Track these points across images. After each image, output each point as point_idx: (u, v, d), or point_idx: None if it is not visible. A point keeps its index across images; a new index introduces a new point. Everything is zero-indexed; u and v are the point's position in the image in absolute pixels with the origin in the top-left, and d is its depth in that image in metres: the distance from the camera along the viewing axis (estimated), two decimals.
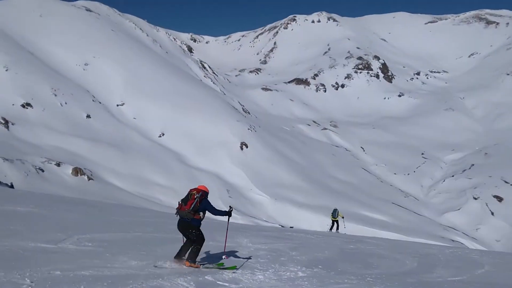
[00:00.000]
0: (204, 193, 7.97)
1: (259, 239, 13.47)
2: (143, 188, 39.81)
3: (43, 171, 31.83)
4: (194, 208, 7.80)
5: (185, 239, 8.09)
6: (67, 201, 18.83)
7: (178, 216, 7.97)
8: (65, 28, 69.39)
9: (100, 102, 56.01)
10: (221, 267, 7.96)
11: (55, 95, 50.11)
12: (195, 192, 7.95)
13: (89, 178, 34.93)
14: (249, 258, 9.72)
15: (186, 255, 7.91)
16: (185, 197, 7.95)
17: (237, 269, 7.98)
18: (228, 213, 8.49)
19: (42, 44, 62.58)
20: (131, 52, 72.18)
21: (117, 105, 58.16)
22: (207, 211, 8.02)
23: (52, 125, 44.39)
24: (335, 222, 23.95)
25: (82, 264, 6.96)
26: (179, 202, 7.99)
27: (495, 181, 64.22)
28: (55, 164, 33.97)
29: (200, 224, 8.00)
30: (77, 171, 34.65)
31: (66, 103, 50.05)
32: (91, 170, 37.04)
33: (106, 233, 10.59)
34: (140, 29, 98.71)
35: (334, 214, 23.86)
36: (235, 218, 38.56)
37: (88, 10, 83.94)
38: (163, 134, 56.19)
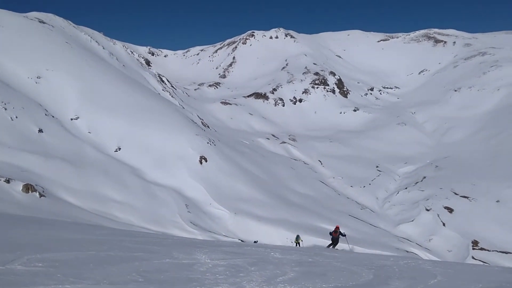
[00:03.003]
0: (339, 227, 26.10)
1: (217, 255, 13.37)
2: (98, 205, 38.63)
3: None
4: (338, 233, 25.13)
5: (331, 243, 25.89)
6: (17, 219, 18.01)
7: (332, 236, 25.61)
8: (17, 40, 66.98)
9: (53, 116, 54.17)
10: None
11: (5, 109, 48.06)
12: (339, 229, 25.53)
13: (41, 195, 33.54)
14: (207, 274, 9.61)
15: (336, 247, 25.54)
16: (334, 230, 25.47)
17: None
18: (344, 234, 25.63)
19: None
20: (86, 65, 70.44)
21: (71, 119, 56.43)
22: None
23: (1, 140, 42.43)
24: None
25: (31, 286, 6.66)
26: (331, 232, 25.76)
27: (445, 192, 66.78)
28: (4, 181, 32.41)
29: (339, 238, 25.48)
30: (28, 188, 33.19)
31: (16, 117, 48.09)
32: (43, 187, 35.62)
33: (58, 252, 10.19)
34: (96, 41, 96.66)
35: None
36: (193, 233, 38.08)
37: (41, 21, 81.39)
38: (120, 149, 54.94)
